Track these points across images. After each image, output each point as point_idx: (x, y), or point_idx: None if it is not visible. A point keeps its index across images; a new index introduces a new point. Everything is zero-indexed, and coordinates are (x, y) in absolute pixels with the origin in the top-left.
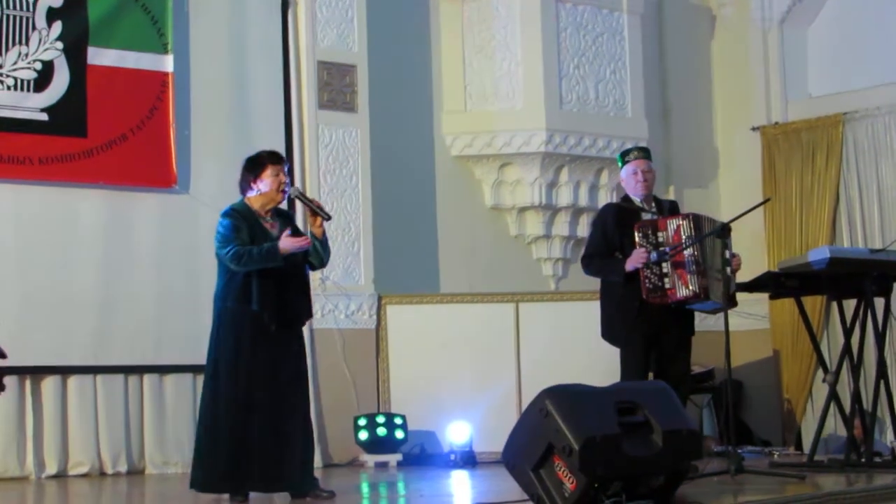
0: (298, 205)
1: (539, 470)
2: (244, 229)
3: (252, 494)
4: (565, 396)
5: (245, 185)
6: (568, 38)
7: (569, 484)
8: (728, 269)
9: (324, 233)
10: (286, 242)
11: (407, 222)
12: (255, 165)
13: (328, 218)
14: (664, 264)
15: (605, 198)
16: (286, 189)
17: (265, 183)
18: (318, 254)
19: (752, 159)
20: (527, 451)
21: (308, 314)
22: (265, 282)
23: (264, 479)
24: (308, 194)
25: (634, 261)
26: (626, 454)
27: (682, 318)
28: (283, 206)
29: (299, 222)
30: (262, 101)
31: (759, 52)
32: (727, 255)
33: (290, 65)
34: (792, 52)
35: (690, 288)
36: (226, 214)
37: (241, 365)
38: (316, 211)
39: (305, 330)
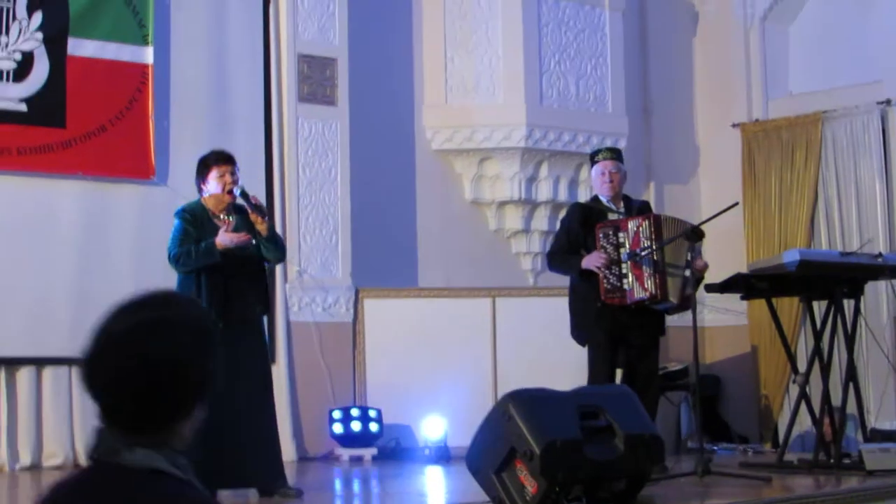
0: (262, 198)
1: (501, 473)
2: (192, 230)
3: (223, 492)
4: (528, 400)
5: (198, 187)
6: (549, 34)
7: (530, 488)
8: (688, 271)
9: (270, 229)
10: (223, 237)
11: (386, 216)
12: (201, 167)
13: (264, 216)
14: (623, 265)
15: (584, 193)
16: (233, 189)
17: (211, 185)
18: (269, 250)
19: (732, 156)
20: (489, 455)
21: (263, 310)
22: (212, 280)
23: (230, 476)
24: (251, 191)
25: (591, 262)
26: (588, 458)
27: (650, 318)
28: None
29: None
30: (241, 93)
31: (741, 50)
32: (688, 256)
33: (270, 57)
34: (773, 49)
35: (647, 289)
36: (176, 215)
37: None
38: (253, 210)
39: (281, 322)
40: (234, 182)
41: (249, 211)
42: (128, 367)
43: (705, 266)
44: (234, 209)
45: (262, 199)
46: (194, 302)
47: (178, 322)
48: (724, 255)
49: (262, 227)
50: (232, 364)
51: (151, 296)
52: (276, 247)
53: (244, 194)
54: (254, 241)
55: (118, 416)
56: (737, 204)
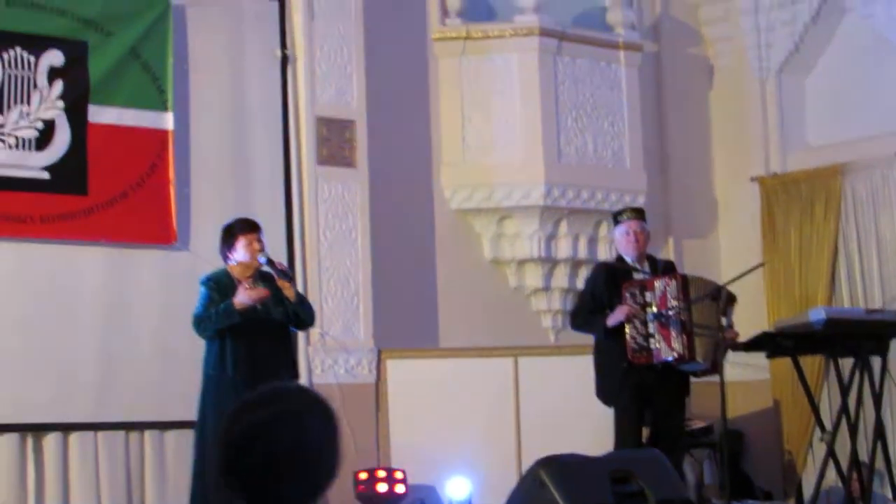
0: (283, 261)
1: None
2: (218, 297)
3: None
4: (560, 466)
5: (224, 255)
6: (566, 92)
7: None
8: (720, 335)
9: (297, 294)
10: (241, 296)
11: (406, 276)
12: (227, 236)
13: (290, 279)
14: (650, 324)
15: (604, 250)
16: (260, 257)
17: (239, 253)
18: (297, 315)
19: (751, 210)
20: None
21: (289, 374)
22: (237, 346)
23: None
24: (276, 257)
25: (616, 316)
26: None
27: (675, 377)
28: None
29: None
30: (261, 156)
31: (757, 102)
32: (724, 322)
33: (289, 120)
34: (790, 101)
35: (674, 349)
36: (202, 283)
37: None
38: (279, 276)
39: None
40: (261, 249)
41: (276, 277)
42: (270, 455)
43: (737, 336)
44: (260, 277)
45: (284, 263)
46: (312, 391)
47: (308, 412)
48: (744, 309)
49: (289, 292)
50: None
51: (276, 389)
52: (306, 310)
53: (269, 261)
54: (278, 305)
55: (262, 501)
56: (763, 264)
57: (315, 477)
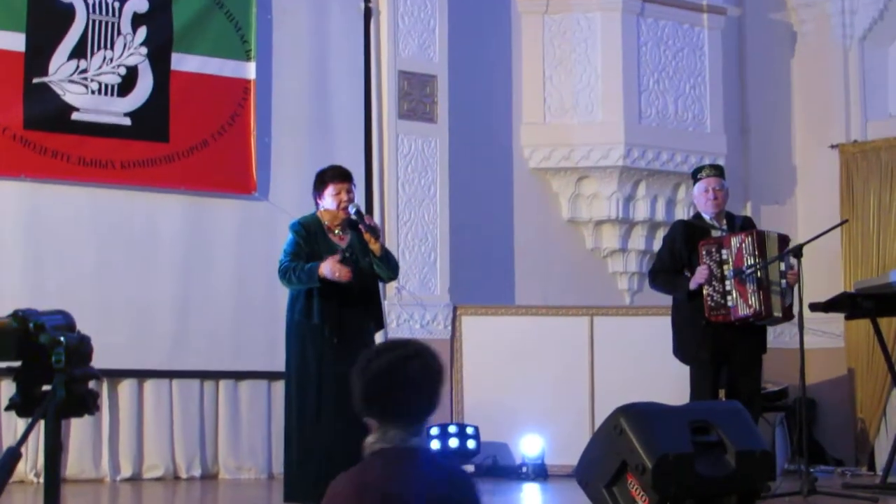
0: (376, 216)
1: (612, 487)
2: (304, 245)
3: None
4: (640, 415)
5: (314, 199)
6: (648, 53)
7: (641, 501)
8: (783, 282)
9: (382, 248)
10: (327, 269)
11: (484, 234)
12: (319, 182)
13: (377, 237)
14: (727, 282)
15: (681, 213)
16: (348, 207)
17: (327, 200)
18: (382, 269)
19: (830, 177)
20: (600, 468)
21: (377, 325)
22: (326, 295)
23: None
24: (365, 211)
25: (696, 279)
26: (699, 474)
27: (752, 336)
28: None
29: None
30: (342, 109)
31: (840, 70)
32: (782, 267)
33: (371, 74)
34: (872, 70)
35: (751, 305)
36: (290, 228)
37: (309, 377)
38: (367, 230)
39: (380, 339)
40: (350, 200)
41: (363, 231)
42: (399, 385)
43: (796, 278)
44: (349, 225)
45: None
46: (425, 344)
47: (423, 354)
48: (822, 275)
49: (374, 246)
50: (343, 378)
51: (398, 341)
52: (389, 266)
53: (359, 213)
54: (365, 255)
55: (399, 417)
56: (846, 221)
57: (433, 397)
